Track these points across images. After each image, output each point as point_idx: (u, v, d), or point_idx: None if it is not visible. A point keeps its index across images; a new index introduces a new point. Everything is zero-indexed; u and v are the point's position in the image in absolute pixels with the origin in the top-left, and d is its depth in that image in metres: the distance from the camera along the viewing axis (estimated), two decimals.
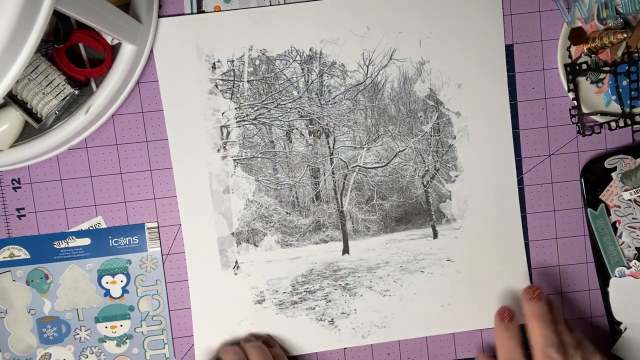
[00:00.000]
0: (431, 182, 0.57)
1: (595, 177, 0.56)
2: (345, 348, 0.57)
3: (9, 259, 0.55)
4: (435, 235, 0.57)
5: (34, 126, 0.50)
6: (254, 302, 0.56)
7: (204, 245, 0.56)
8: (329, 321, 0.57)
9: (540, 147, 0.57)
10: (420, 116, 0.56)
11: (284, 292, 0.57)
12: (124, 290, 0.56)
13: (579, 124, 0.55)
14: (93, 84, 0.52)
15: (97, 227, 0.56)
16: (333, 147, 0.56)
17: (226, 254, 0.56)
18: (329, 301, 0.57)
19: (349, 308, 0.57)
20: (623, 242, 0.56)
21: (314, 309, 0.57)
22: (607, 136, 0.57)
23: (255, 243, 0.56)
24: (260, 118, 0.55)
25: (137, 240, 0.56)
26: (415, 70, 0.56)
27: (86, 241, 0.56)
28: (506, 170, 0.57)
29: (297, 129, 0.56)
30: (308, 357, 0.57)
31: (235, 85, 0.55)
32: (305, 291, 0.57)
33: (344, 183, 0.57)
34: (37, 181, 0.55)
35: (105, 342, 0.56)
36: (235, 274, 0.56)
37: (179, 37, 0.54)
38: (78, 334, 0.56)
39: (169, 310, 0.56)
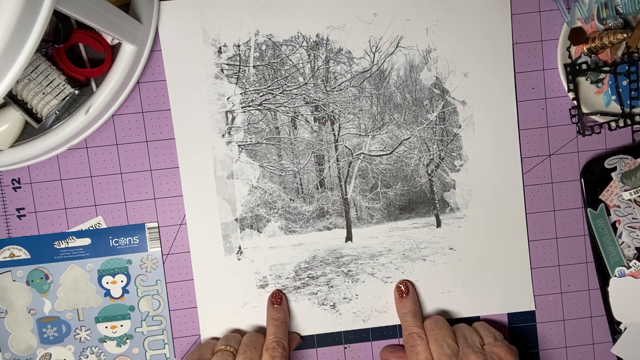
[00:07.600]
0: (436, 171, 0.57)
1: (595, 177, 0.56)
2: (346, 347, 0.58)
3: (9, 259, 0.55)
4: (438, 224, 0.57)
5: (34, 126, 0.50)
6: (257, 286, 0.57)
7: (208, 231, 0.56)
8: (331, 305, 0.57)
9: (540, 147, 0.57)
10: (426, 104, 0.56)
11: (287, 278, 0.57)
12: (124, 290, 0.56)
13: (579, 124, 0.55)
14: (93, 84, 0.52)
15: (97, 227, 0.56)
16: (338, 134, 0.56)
17: (230, 239, 0.56)
18: (331, 287, 0.57)
19: (351, 293, 0.57)
20: (623, 242, 0.56)
21: (317, 294, 0.57)
22: (607, 136, 0.57)
23: (259, 229, 0.56)
24: (265, 104, 0.55)
25: (138, 240, 0.56)
26: (421, 58, 0.56)
27: (86, 241, 0.56)
28: (511, 160, 0.57)
29: (302, 115, 0.56)
30: (310, 356, 0.57)
31: (240, 70, 0.55)
32: (308, 277, 0.57)
33: (348, 170, 0.57)
34: (37, 181, 0.55)
35: (106, 342, 0.56)
36: (239, 260, 0.56)
37: (185, 20, 0.54)
38: (78, 334, 0.56)
39: (169, 310, 0.56)
